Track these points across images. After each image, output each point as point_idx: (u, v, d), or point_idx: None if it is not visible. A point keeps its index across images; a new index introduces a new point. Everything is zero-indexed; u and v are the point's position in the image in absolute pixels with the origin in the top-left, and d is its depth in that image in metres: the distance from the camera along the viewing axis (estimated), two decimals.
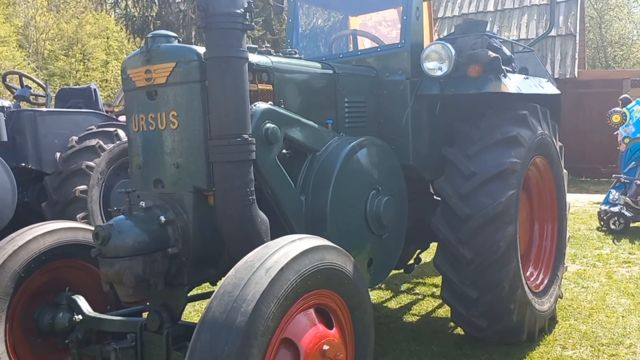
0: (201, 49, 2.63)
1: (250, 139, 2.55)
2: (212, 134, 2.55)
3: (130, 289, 2.54)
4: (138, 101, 2.76)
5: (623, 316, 4.43)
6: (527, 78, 4.09)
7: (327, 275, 2.26)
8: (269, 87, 3.03)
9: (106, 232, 2.49)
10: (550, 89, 4.35)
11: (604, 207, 8.21)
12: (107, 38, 34.42)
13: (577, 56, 14.21)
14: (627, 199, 7.99)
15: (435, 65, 3.63)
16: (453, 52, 3.57)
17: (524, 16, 15.43)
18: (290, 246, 2.17)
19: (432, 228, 3.61)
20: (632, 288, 5.19)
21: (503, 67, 3.62)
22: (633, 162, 8.58)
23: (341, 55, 4.14)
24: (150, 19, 13.77)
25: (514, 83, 3.71)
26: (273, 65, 3.07)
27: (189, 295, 2.81)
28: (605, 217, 8.00)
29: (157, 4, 12.74)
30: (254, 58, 2.94)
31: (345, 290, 2.39)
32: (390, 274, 5.67)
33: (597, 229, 8.10)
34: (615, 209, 7.95)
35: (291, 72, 3.20)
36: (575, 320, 4.36)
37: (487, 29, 4.04)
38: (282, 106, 3.03)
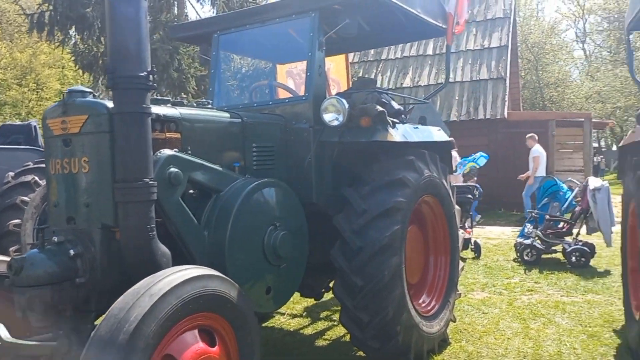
0: (110, 104, 3.04)
1: (151, 182, 2.96)
2: (117, 177, 2.94)
3: (40, 315, 2.87)
4: (55, 147, 3.14)
5: (509, 338, 4.96)
6: (417, 127, 4.66)
7: (210, 300, 2.66)
8: (177, 135, 3.46)
9: (19, 264, 2.83)
10: (441, 136, 4.94)
11: (519, 240, 8.89)
12: (62, 68, 34.19)
13: (506, 98, 15.24)
14: (538, 232, 8.70)
15: (332, 117, 4.15)
16: (347, 105, 4.09)
17: (460, 60, 16.47)
18: (175, 275, 2.57)
19: (330, 259, 4.06)
20: (526, 314, 5.75)
21: (390, 119, 4.17)
22: (546, 199, 9.34)
23: (255, 104, 4.61)
24: (99, 55, 14.07)
25: (400, 132, 4.26)
26: (181, 116, 3.51)
27: None
28: (520, 249, 8.67)
29: (103, 43, 13.06)
30: (162, 110, 3.38)
31: (229, 313, 2.79)
32: (311, 302, 6.10)
33: (514, 260, 8.75)
34: (528, 241, 8.64)
35: (199, 122, 3.64)
36: (466, 342, 4.85)
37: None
38: (189, 152, 3.46)
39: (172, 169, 3.20)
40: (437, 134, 4.91)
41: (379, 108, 4.12)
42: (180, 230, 3.26)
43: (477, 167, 12.34)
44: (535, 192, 11.21)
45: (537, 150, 12.73)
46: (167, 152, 3.26)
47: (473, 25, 17.01)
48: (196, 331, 2.67)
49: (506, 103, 15.15)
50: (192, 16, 20.22)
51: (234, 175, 3.71)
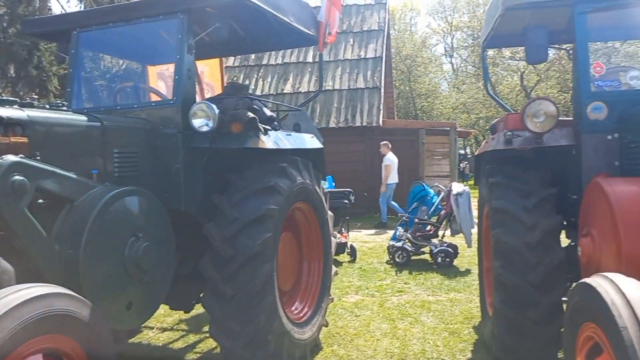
0: None
1: None
2: None
3: None
4: None
5: (378, 339, 5.14)
6: (290, 134, 4.68)
7: (56, 321, 2.43)
8: (24, 140, 3.14)
9: None
10: (314, 143, 5.00)
11: (391, 243, 9.30)
12: None
13: (381, 107, 15.94)
14: (409, 235, 9.17)
15: (202, 122, 4.02)
16: (217, 111, 3.99)
17: (338, 69, 16.96)
18: (14, 295, 2.31)
19: (199, 269, 3.93)
20: (395, 314, 6.01)
21: (261, 126, 4.14)
22: (415, 203, 9.88)
23: (119, 107, 4.35)
24: None
25: (272, 139, 4.25)
26: (29, 118, 3.19)
27: None
28: (392, 251, 9.07)
29: None
30: (6, 112, 3.05)
31: (79, 333, 2.57)
32: (181, 315, 5.86)
33: (387, 262, 9.13)
34: (400, 244, 9.07)
35: (50, 125, 3.34)
36: (338, 346, 4.95)
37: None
38: (38, 158, 3.15)
39: (16, 177, 2.90)
40: (310, 141, 4.97)
41: (251, 114, 4.07)
42: (27, 244, 2.96)
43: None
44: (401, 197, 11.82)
45: (390, 159, 13.31)
46: (11, 158, 2.94)
47: (350, 36, 17.61)
48: (40, 356, 2.42)
49: (381, 111, 15.84)
50: (57, 10, 18.73)
51: (91, 183, 3.45)
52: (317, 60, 17.05)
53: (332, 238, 5.18)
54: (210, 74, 6.21)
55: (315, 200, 4.79)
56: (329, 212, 5.12)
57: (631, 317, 2.04)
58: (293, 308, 4.64)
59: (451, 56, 42.93)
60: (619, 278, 2.31)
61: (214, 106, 4.01)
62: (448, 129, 16.95)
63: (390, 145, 13.47)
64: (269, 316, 3.94)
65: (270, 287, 3.96)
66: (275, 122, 4.63)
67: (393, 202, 13.39)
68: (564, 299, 3.92)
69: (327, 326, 5.06)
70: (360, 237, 11.83)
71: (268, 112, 4.46)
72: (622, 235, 3.14)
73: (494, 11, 4.74)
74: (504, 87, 31.64)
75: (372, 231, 13.06)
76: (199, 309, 5.22)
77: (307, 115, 5.44)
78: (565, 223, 4.34)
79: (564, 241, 4.33)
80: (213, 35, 4.25)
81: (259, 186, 4.07)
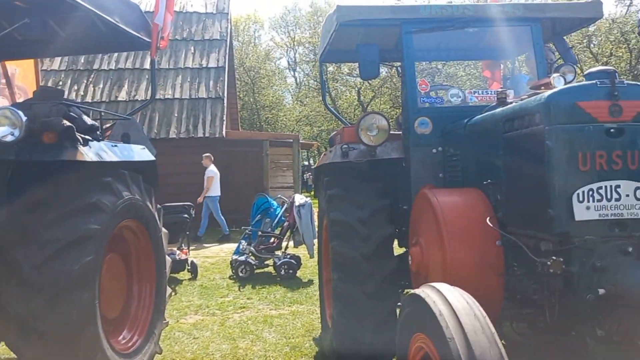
0: None
1: None
2: None
3: None
4: None
5: None
6: (116, 146, 4.26)
7: None
8: None
9: None
10: (144, 155, 4.62)
11: (234, 257, 9.09)
12: None
13: (225, 117, 15.67)
14: (252, 248, 9.03)
15: (6, 131, 3.45)
16: (24, 118, 3.46)
17: (179, 77, 16.34)
18: None
19: (1, 303, 3.35)
20: (237, 333, 5.80)
21: (80, 136, 3.68)
22: (259, 215, 9.78)
23: None
24: None
25: (93, 151, 3.81)
26: None
27: None
28: (235, 266, 8.85)
29: None
30: None
31: None
32: None
33: (229, 277, 8.87)
34: (243, 257, 8.88)
35: None
36: None
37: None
38: None
39: None
40: (140, 153, 4.57)
41: (67, 122, 3.59)
42: None
43: None
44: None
45: (212, 171, 13.13)
46: None
47: (191, 44, 17.12)
48: None
49: (224, 122, 15.57)
50: None
51: None
52: (157, 67, 16.35)
53: (168, 257, 4.81)
54: (23, 77, 5.48)
55: (146, 217, 4.40)
56: (163, 230, 4.76)
57: (457, 328, 2.08)
58: (120, 338, 4.18)
59: (294, 70, 44.12)
60: (445, 288, 2.38)
61: (21, 112, 3.47)
62: (291, 140, 17.25)
63: (212, 158, 13.16)
64: (89, 352, 3.48)
65: (91, 318, 3.50)
66: (99, 132, 4.17)
67: (219, 216, 13.13)
68: (399, 303, 4.05)
69: (160, 353, 4.66)
70: (202, 253, 11.41)
71: (89, 121, 3.99)
72: (446, 244, 3.31)
73: (329, 26, 4.82)
74: (343, 101, 33.24)
75: (216, 245, 12.69)
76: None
77: (137, 124, 5.03)
78: (397, 231, 4.52)
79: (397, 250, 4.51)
80: (23, 32, 3.71)
81: (77, 204, 3.60)
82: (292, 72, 44.59)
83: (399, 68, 4.98)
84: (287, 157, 17.13)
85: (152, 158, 4.71)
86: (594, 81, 2.73)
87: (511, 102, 3.56)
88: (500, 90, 3.75)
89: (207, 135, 15.14)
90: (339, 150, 4.54)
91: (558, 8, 4.70)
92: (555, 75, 3.69)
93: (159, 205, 4.74)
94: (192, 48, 17.02)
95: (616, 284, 2.48)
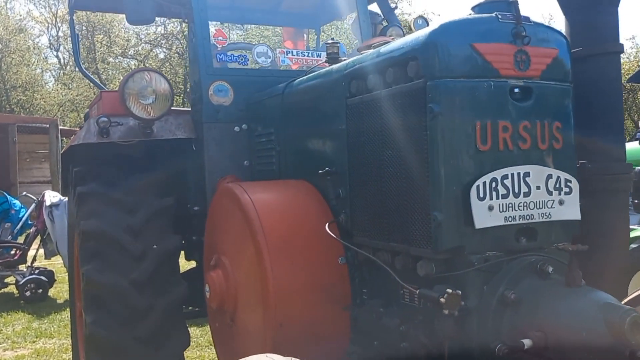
0: None
1: None
2: None
3: None
4: None
5: None
6: None
7: None
8: None
9: None
10: None
11: None
12: None
13: None
14: None
15: None
16: None
17: None
18: None
19: None
20: None
21: None
22: None
23: None
24: None
25: None
26: None
27: None
28: None
29: None
30: None
31: None
32: None
33: None
34: None
35: None
36: None
37: None
38: None
39: None
40: None
41: None
42: None
43: None
44: None
45: None
46: None
47: None
48: None
49: None
50: None
51: None
52: None
53: None
54: None
55: None
56: None
57: None
58: None
59: (57, 50, 38.62)
60: None
61: None
62: (47, 126, 14.34)
63: None
64: None
65: None
66: None
67: None
68: None
69: None
70: None
71: None
72: (268, 266, 2.12)
73: None
74: (115, 85, 29.86)
75: None
76: None
77: None
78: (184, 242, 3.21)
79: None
80: None
81: None
82: (54, 52, 38.98)
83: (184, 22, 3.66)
84: (44, 147, 14.28)
85: None
86: (492, 14, 1.81)
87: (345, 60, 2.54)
88: (330, 42, 2.70)
89: None
90: (95, 125, 3.02)
91: None
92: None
93: None
94: None
95: (544, 328, 1.57)
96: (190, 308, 3.47)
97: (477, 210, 1.71)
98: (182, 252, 3.31)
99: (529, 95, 1.82)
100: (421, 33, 1.83)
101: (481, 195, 1.72)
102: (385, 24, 3.79)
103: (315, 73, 2.59)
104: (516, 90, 1.81)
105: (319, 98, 2.47)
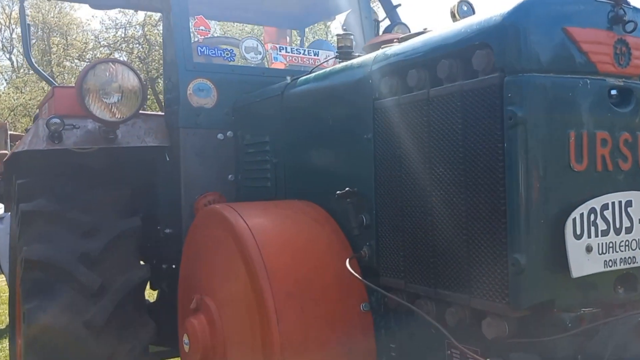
0: None
1: None
2: None
3: None
4: None
5: None
6: None
7: None
8: None
9: None
10: None
11: None
12: None
13: None
14: None
15: None
16: None
17: None
18: None
19: None
20: None
21: None
22: None
23: None
24: None
25: None
26: None
27: None
28: None
29: None
30: None
31: None
32: None
33: None
34: None
35: None
36: None
37: None
38: None
39: None
40: None
41: None
42: None
43: None
44: None
45: None
46: None
47: None
48: None
49: None
50: None
51: None
52: None
53: None
54: None
55: None
56: None
57: None
58: None
59: (10, 52, 37.04)
60: None
61: None
62: None
63: None
64: None
65: None
66: None
67: None
68: None
69: None
70: None
71: None
72: (273, 317, 1.61)
73: None
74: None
75: None
76: None
77: None
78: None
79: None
80: None
81: None
82: (7, 54, 37.37)
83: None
84: None
85: None
86: None
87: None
88: (342, 34, 2.23)
89: None
90: (44, 128, 2.44)
91: None
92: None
93: None
94: None
95: None
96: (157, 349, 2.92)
97: (573, 252, 1.26)
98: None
99: (628, 99, 1.40)
100: (492, 13, 1.37)
101: (578, 232, 1.27)
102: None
103: (327, 70, 2.11)
104: (613, 92, 1.38)
105: (334, 100, 1.99)
